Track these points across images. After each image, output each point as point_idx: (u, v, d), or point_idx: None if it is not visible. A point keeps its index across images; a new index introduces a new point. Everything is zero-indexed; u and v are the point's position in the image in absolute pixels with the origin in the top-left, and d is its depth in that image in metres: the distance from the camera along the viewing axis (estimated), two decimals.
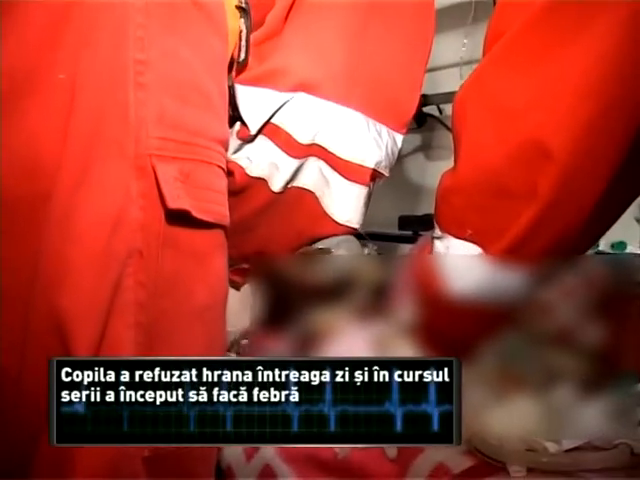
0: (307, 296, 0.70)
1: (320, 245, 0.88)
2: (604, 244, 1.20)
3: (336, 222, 0.83)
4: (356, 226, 0.84)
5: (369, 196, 0.85)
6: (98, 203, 0.57)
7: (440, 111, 1.50)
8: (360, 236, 0.93)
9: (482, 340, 0.67)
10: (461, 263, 0.71)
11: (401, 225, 1.50)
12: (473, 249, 0.70)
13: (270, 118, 0.77)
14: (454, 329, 0.69)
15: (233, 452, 0.81)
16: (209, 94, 0.65)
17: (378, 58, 0.82)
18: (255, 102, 0.76)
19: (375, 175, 0.83)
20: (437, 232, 0.75)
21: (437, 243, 0.75)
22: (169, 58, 0.60)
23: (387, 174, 0.85)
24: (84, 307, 0.56)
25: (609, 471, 0.65)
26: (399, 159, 1.69)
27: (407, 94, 0.86)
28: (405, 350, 0.69)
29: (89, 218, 0.56)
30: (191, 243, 0.62)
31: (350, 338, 0.70)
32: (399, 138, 0.85)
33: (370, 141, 0.81)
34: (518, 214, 0.64)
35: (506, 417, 0.67)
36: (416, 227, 1.43)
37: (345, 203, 0.83)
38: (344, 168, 0.82)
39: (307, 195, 0.82)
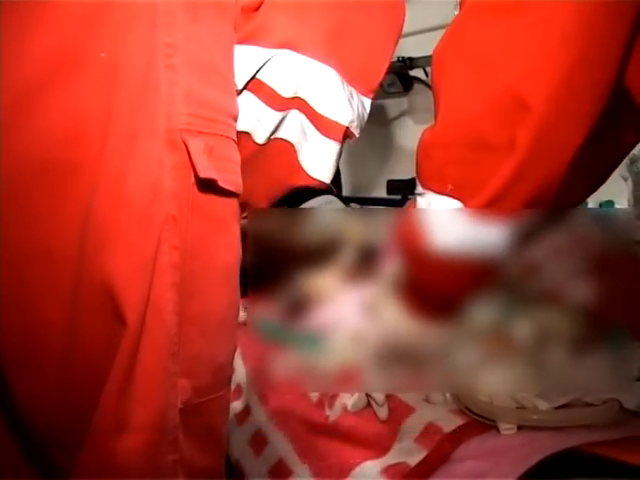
0: (294, 260, 0.69)
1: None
2: (592, 203, 1.20)
3: (309, 175, 0.85)
4: (327, 181, 0.86)
5: (339, 154, 0.87)
6: (140, 172, 0.62)
7: (427, 74, 1.49)
8: (342, 199, 0.94)
9: (471, 297, 0.67)
10: (446, 218, 0.70)
11: (389, 189, 1.51)
12: (454, 204, 0.69)
13: (255, 74, 0.79)
14: (443, 287, 0.69)
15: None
16: (224, 74, 0.71)
17: (355, 24, 0.85)
18: (241, 59, 0.78)
19: (347, 134, 0.85)
20: (419, 189, 0.75)
21: (419, 200, 0.75)
22: (192, 42, 0.66)
23: (357, 135, 0.88)
24: (132, 268, 0.61)
25: (598, 427, 0.66)
26: (386, 123, 1.69)
27: (377, 61, 0.89)
28: (395, 311, 0.69)
29: (134, 185, 0.61)
30: (215, 210, 0.68)
31: (340, 302, 0.69)
32: (367, 102, 0.89)
33: (345, 100, 0.83)
34: (497, 167, 0.64)
35: (496, 375, 0.67)
36: (404, 191, 1.43)
37: (318, 158, 0.86)
38: (321, 123, 0.85)
39: (287, 146, 0.85)
